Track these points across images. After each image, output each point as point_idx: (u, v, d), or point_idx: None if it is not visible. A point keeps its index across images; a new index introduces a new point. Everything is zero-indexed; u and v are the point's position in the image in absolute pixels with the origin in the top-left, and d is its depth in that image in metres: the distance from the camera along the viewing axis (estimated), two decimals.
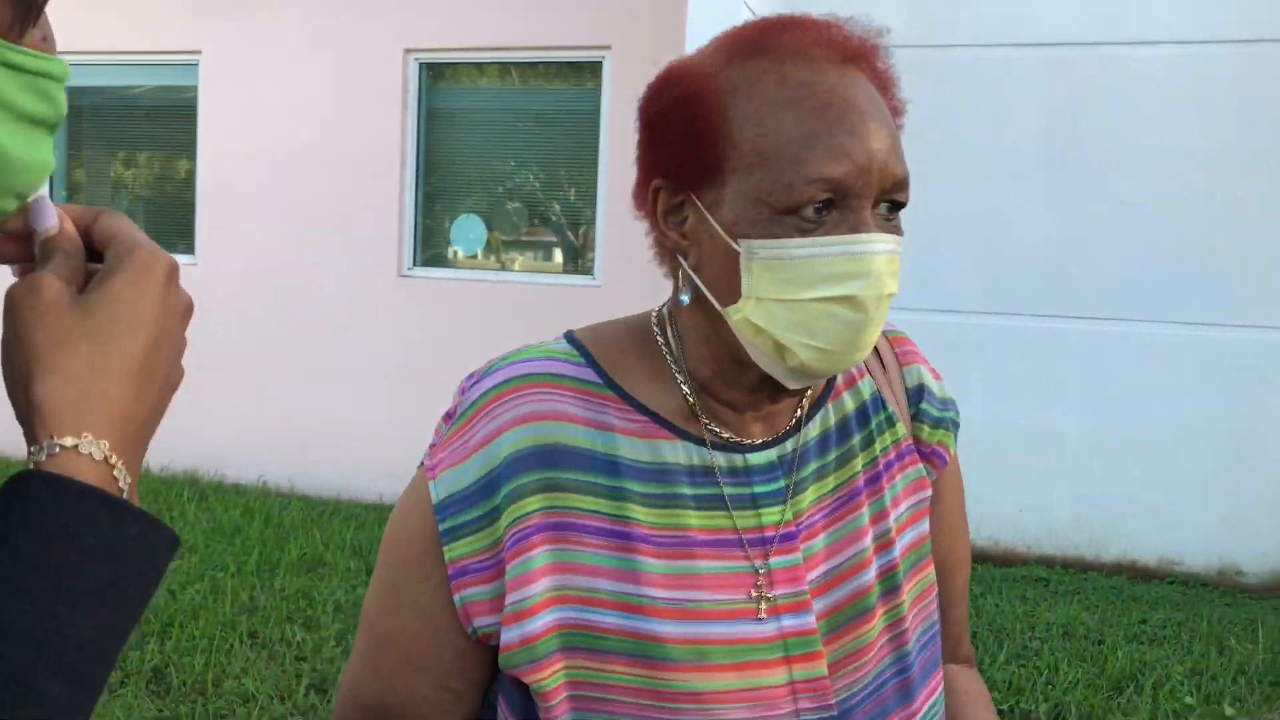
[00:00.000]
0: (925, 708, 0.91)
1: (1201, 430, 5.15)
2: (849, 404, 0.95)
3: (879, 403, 0.96)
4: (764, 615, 0.85)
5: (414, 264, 6.46)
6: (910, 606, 0.92)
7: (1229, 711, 3.69)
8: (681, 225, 0.86)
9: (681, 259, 0.86)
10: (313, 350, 6.48)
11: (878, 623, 0.90)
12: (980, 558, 5.45)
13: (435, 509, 0.85)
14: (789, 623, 0.86)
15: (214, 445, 6.61)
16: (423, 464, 0.89)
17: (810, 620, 0.86)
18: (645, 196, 0.87)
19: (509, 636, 0.82)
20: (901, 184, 0.82)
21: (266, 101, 6.48)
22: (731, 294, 0.82)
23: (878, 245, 0.79)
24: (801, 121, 0.78)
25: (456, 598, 0.84)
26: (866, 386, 0.96)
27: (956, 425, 1.00)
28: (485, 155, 6.44)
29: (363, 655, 0.92)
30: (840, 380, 0.96)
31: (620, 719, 0.82)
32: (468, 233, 6.44)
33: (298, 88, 6.40)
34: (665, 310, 0.93)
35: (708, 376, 0.88)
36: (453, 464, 0.85)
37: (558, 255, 6.45)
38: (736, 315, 0.82)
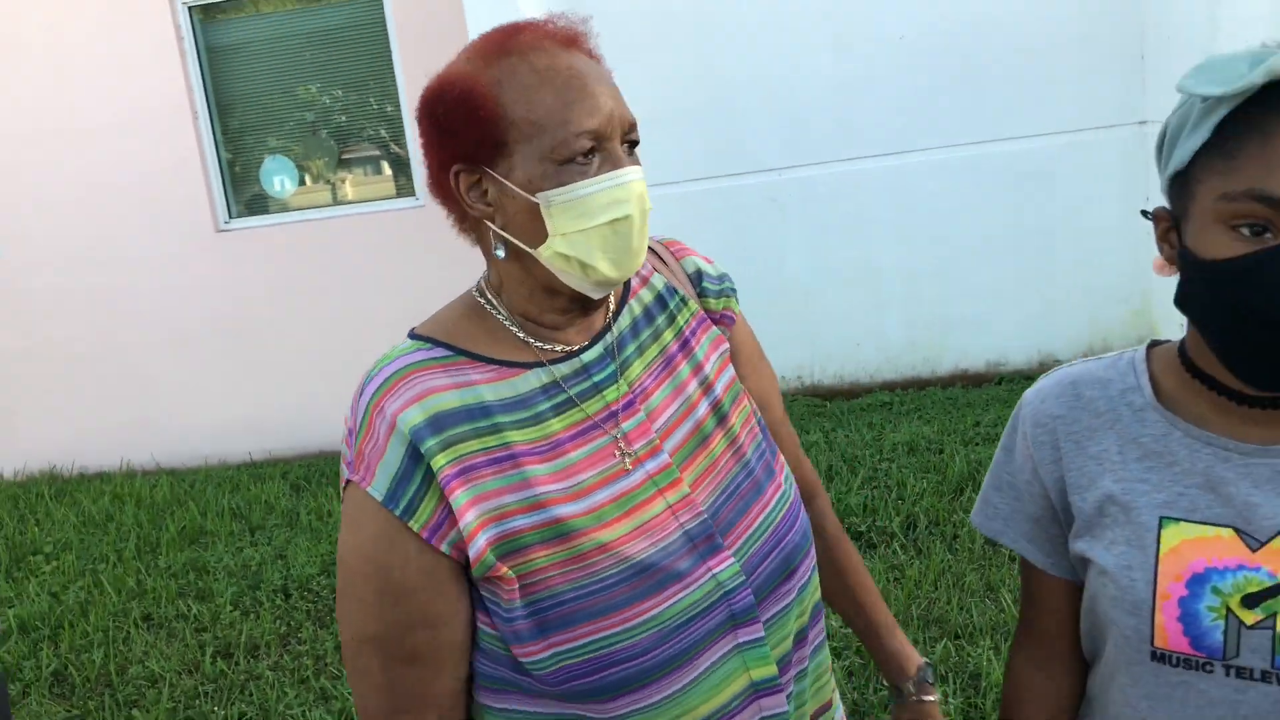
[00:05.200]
0: (774, 499, 1.17)
1: (1003, 239, 5.53)
2: (647, 297, 1.21)
3: (671, 290, 1.22)
4: (630, 467, 1.09)
5: (230, 217, 6.30)
6: (740, 428, 1.18)
7: None
8: (484, 197, 1.07)
9: (490, 224, 1.08)
10: (142, 324, 6.30)
11: (718, 444, 1.16)
12: (829, 394, 5.79)
13: (384, 503, 1.01)
14: (650, 465, 1.10)
15: (66, 439, 6.45)
16: (347, 483, 1.04)
17: (665, 458, 1.11)
18: (446, 182, 1.08)
19: (473, 552, 1.00)
20: (633, 126, 1.07)
21: (27, 74, 6.12)
22: (538, 237, 1.05)
23: (633, 175, 1.06)
24: (558, 94, 1.02)
25: (444, 546, 1.01)
26: (659, 280, 1.23)
27: (734, 291, 1.28)
28: (280, 88, 6.22)
29: (378, 680, 1.05)
30: (635, 283, 1.22)
31: (559, 589, 1.02)
32: (279, 173, 6.27)
33: (61, 54, 6.06)
34: (481, 281, 1.16)
35: (531, 310, 1.11)
36: (378, 459, 1.02)
37: (381, 178, 6.33)
38: (547, 252, 1.05)
